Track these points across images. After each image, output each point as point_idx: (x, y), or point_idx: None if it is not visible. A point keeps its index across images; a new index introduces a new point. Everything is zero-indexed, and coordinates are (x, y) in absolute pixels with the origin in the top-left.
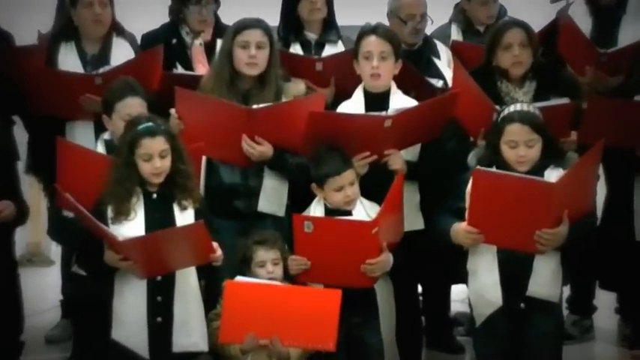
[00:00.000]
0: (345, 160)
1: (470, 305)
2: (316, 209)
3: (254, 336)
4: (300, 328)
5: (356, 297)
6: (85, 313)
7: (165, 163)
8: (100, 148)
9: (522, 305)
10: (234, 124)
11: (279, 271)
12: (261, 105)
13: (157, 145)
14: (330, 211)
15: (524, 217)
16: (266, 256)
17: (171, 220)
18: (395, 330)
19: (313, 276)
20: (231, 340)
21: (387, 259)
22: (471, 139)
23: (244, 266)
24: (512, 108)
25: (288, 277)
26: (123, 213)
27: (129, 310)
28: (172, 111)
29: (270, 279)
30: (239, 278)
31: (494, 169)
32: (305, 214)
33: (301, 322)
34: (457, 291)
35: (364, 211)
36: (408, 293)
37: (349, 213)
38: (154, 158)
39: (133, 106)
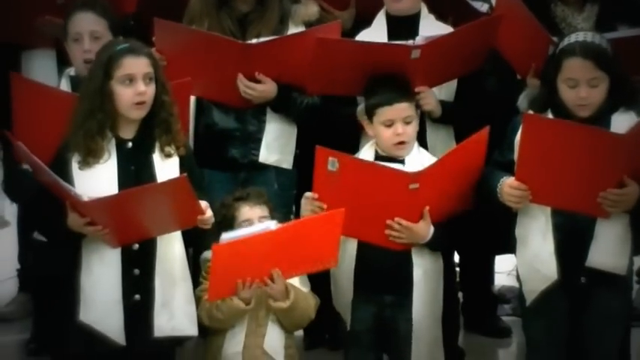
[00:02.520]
0: (401, 89)
1: (518, 279)
2: (366, 154)
3: (248, 282)
4: (299, 257)
5: (389, 270)
6: (47, 285)
7: (150, 90)
8: (65, 86)
9: (583, 279)
10: (228, 61)
11: None
12: (261, 39)
13: (140, 64)
14: (380, 159)
15: (586, 173)
16: (251, 213)
17: (150, 172)
18: (440, 313)
19: None
20: (222, 296)
21: (420, 229)
22: (518, 76)
23: (225, 228)
24: (572, 38)
25: None
26: (94, 153)
27: (99, 287)
28: (152, 50)
29: None
30: (225, 236)
31: (549, 115)
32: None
33: (300, 253)
34: (502, 262)
35: (420, 162)
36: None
37: (402, 162)
38: (137, 80)
39: (84, 22)
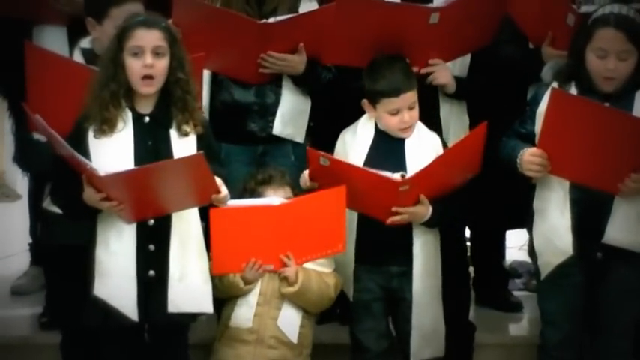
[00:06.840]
0: (407, 78)
1: (530, 254)
2: (364, 128)
3: (258, 263)
4: (306, 240)
5: (391, 242)
6: (59, 258)
7: (160, 65)
8: (78, 58)
9: (599, 254)
10: (245, 39)
11: None
12: (278, 17)
13: (150, 37)
14: (380, 133)
15: (608, 153)
16: (275, 196)
17: (167, 148)
18: (440, 286)
19: None
20: (227, 270)
21: (419, 211)
22: (531, 46)
23: None
24: (607, 9)
25: None
26: (107, 122)
27: (115, 261)
28: (169, 22)
29: None
30: (228, 203)
31: (572, 88)
32: (351, 131)
33: (307, 234)
34: (514, 236)
35: (419, 141)
36: (451, 237)
37: (401, 140)
38: (146, 53)
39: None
